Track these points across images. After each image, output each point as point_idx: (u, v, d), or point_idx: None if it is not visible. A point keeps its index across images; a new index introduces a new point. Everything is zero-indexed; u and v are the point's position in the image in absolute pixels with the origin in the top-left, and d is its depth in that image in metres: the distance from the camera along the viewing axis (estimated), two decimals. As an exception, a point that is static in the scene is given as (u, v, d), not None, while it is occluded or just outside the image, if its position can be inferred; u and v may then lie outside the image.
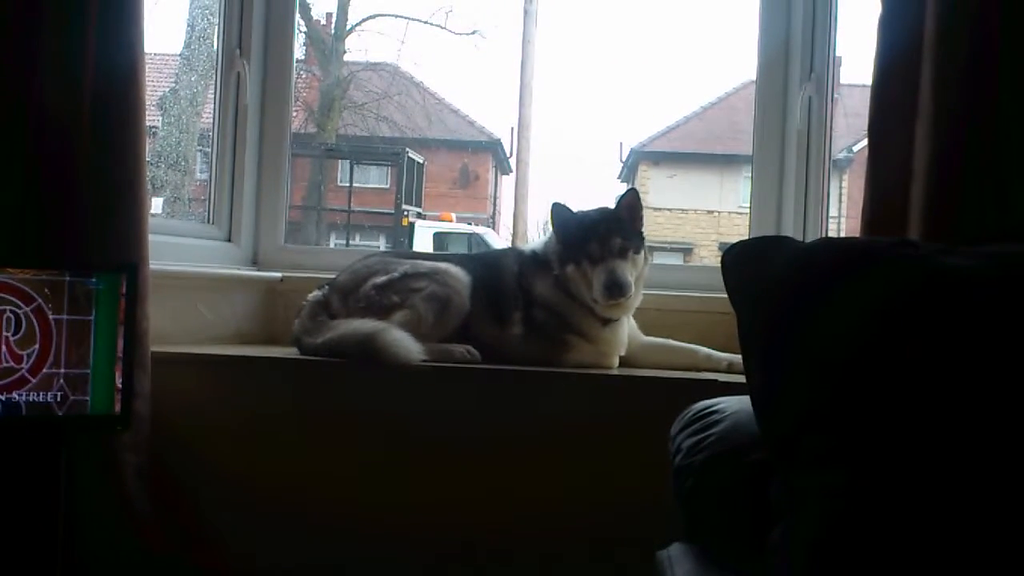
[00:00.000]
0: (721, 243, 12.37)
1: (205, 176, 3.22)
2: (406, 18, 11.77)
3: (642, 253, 2.56)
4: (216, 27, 3.11)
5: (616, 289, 2.46)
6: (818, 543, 1.24)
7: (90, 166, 2.29)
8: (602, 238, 2.50)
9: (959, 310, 1.29)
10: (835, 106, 2.98)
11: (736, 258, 1.59)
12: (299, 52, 11.00)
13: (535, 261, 2.65)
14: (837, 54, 2.98)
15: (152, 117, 4.42)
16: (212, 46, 3.17)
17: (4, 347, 2.09)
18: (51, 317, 2.14)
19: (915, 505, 1.21)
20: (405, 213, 10.63)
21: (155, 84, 4.91)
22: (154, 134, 4.58)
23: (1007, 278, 1.32)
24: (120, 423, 2.22)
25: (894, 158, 2.22)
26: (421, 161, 11.36)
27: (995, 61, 2.11)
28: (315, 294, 2.66)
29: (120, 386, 2.19)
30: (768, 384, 1.43)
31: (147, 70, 2.40)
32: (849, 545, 1.22)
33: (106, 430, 2.28)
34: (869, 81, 2.28)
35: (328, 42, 11.45)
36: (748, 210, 3.07)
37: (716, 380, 2.36)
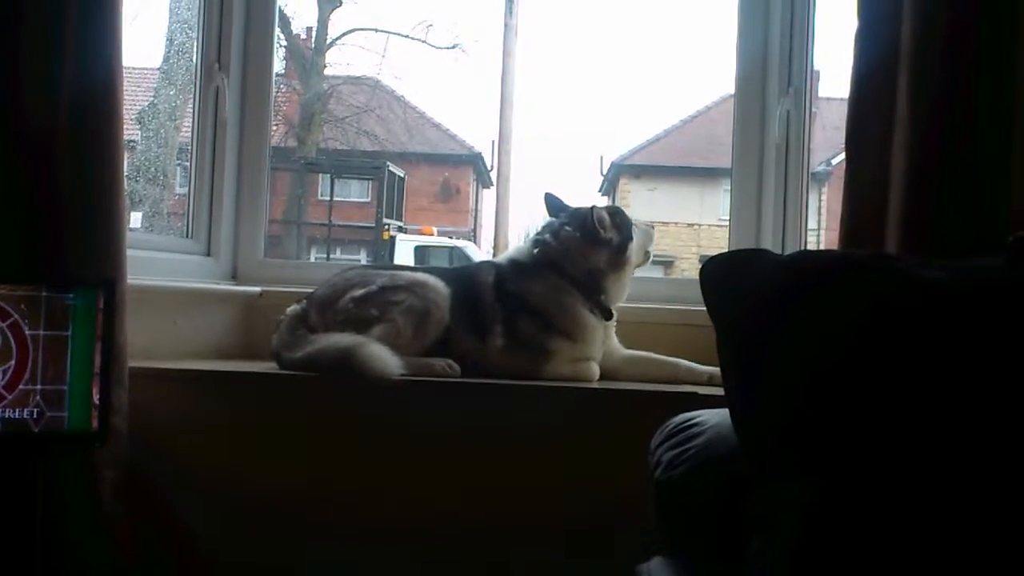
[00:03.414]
0: (702, 255, 12.40)
1: (184, 190, 3.21)
2: (387, 32, 11.80)
3: None
4: (195, 41, 3.10)
5: None
6: (796, 555, 1.25)
7: (68, 180, 2.28)
8: None
9: (934, 323, 1.30)
10: (813, 119, 2.99)
11: (714, 271, 1.59)
12: (279, 66, 11.02)
13: (520, 268, 2.66)
14: (815, 68, 3.00)
15: (131, 131, 4.41)
16: (191, 60, 3.16)
17: (-21, 364, 2.08)
18: (27, 333, 2.12)
19: (893, 516, 1.21)
20: (386, 227, 10.62)
21: (134, 98, 4.89)
22: (133, 148, 4.56)
23: (983, 291, 1.33)
24: (98, 439, 2.20)
25: (871, 170, 2.24)
26: (402, 175, 11.36)
27: (971, 73, 2.13)
28: (293, 308, 2.65)
29: (97, 402, 2.17)
30: (746, 396, 1.44)
31: (126, 84, 2.39)
32: (827, 557, 1.22)
33: (83, 446, 2.25)
34: (847, 94, 2.30)
35: (308, 56, 11.46)
36: (728, 223, 3.08)
37: (696, 393, 2.36)
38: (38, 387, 2.13)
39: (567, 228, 2.65)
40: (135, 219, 4.34)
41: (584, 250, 2.62)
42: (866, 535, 1.21)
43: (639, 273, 2.82)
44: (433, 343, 2.56)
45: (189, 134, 3.14)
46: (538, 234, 2.71)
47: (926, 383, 1.26)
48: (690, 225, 14.20)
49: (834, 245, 2.35)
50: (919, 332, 1.30)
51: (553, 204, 2.76)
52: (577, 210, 2.68)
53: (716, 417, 1.67)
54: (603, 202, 2.79)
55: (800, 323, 1.37)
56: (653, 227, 2.83)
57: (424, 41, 11.81)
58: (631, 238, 2.67)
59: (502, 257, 2.79)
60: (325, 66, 11.73)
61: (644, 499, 1.73)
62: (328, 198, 11.52)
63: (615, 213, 2.69)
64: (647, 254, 2.76)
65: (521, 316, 2.58)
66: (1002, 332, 1.28)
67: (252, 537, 2.46)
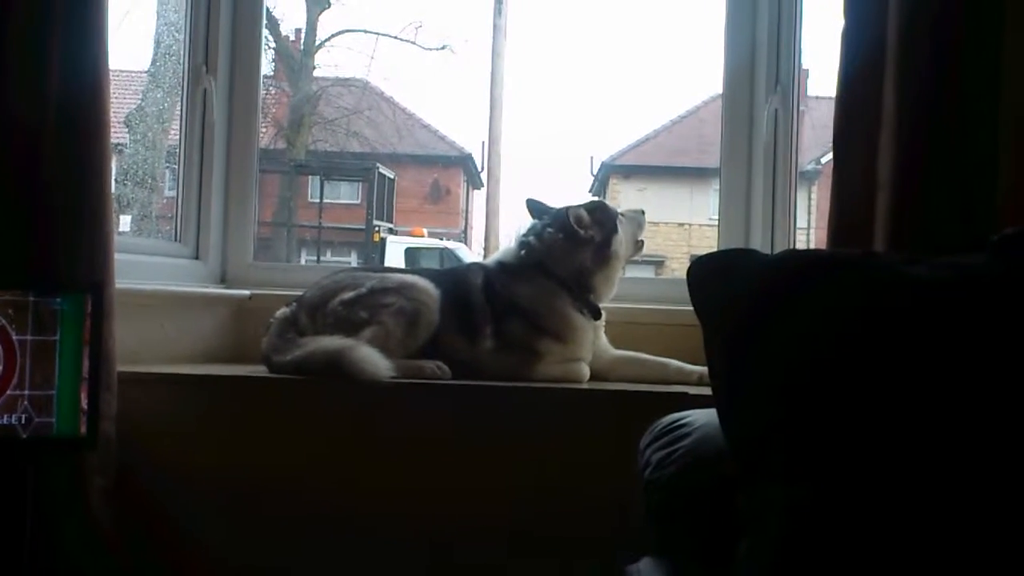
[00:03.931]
0: (692, 255, 12.39)
1: (173, 193, 3.20)
2: (376, 33, 11.77)
3: None
4: (182, 43, 3.09)
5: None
6: (782, 556, 1.25)
7: (55, 184, 2.27)
8: None
9: (920, 321, 1.30)
10: (802, 118, 3.00)
11: (702, 272, 1.59)
12: (268, 68, 11.00)
13: (508, 270, 2.66)
14: (803, 67, 3.00)
15: (119, 134, 4.41)
16: (179, 62, 3.15)
17: (-33, 369, 2.07)
18: (15, 338, 2.12)
19: (880, 517, 1.21)
20: (376, 228, 10.62)
21: (122, 101, 4.89)
22: (121, 151, 4.55)
23: (969, 289, 1.34)
24: (86, 445, 2.20)
25: (859, 168, 2.24)
26: (392, 176, 11.35)
27: (957, 71, 2.13)
28: (283, 311, 2.64)
29: (86, 407, 2.16)
30: (733, 397, 1.44)
31: (113, 87, 2.38)
32: (813, 559, 1.22)
33: (72, 452, 2.25)
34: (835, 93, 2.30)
35: (297, 58, 11.43)
36: (717, 222, 3.08)
37: (686, 393, 2.36)
38: (26, 392, 2.12)
39: (549, 229, 2.65)
40: (123, 222, 4.33)
41: (568, 250, 2.62)
42: (853, 536, 1.21)
43: (629, 273, 2.83)
44: (423, 345, 2.56)
45: (177, 137, 3.14)
46: (523, 236, 2.71)
47: (912, 381, 1.27)
48: (680, 225, 14.19)
49: (824, 244, 2.35)
50: (905, 330, 1.30)
51: (536, 208, 2.76)
52: (559, 211, 2.68)
53: (705, 417, 1.67)
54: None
55: (785, 323, 1.37)
56: (643, 212, 2.80)
57: (413, 42, 11.81)
58: (615, 231, 2.66)
59: (490, 259, 2.79)
60: (314, 68, 11.70)
61: (634, 499, 1.73)
62: (318, 200, 11.53)
63: (594, 209, 2.68)
64: (639, 243, 2.76)
65: (510, 318, 2.58)
66: (988, 329, 1.28)
67: (243, 540, 2.46)
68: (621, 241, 2.67)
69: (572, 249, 2.61)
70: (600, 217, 2.66)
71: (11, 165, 2.23)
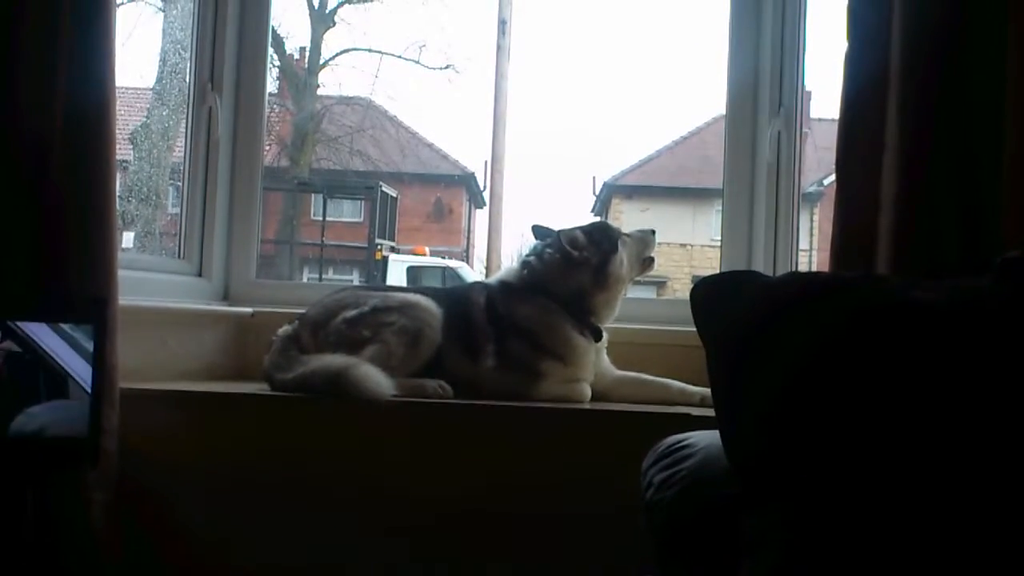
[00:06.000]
0: (694, 276, 12.39)
1: (176, 210, 3.21)
2: (380, 53, 11.81)
3: None
4: (188, 61, 3.11)
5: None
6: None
7: (61, 201, 2.27)
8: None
9: (920, 344, 1.30)
10: (805, 140, 3.00)
11: (704, 293, 1.60)
12: (272, 86, 11.05)
13: (510, 290, 2.67)
14: (807, 88, 3.02)
15: (124, 151, 4.43)
16: (184, 80, 3.17)
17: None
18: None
19: (882, 539, 1.21)
20: (378, 247, 10.62)
21: (127, 118, 4.91)
22: (125, 168, 4.57)
23: (970, 312, 1.33)
24: (88, 460, 2.20)
25: (861, 191, 2.24)
26: (394, 195, 11.37)
27: (960, 93, 2.14)
28: (285, 329, 2.65)
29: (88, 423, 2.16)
30: (735, 418, 1.44)
31: (119, 104, 2.39)
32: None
33: (74, 467, 2.25)
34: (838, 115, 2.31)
35: (302, 76, 11.47)
36: (720, 243, 3.09)
37: (689, 414, 2.36)
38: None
39: (548, 250, 2.66)
40: (127, 239, 4.35)
41: (565, 271, 2.62)
42: (855, 558, 1.20)
43: (631, 293, 2.82)
44: (425, 364, 2.56)
45: (182, 154, 3.15)
46: (526, 256, 2.72)
47: (914, 404, 1.26)
48: (682, 245, 14.20)
49: (826, 265, 2.36)
50: (906, 353, 1.30)
51: (541, 234, 2.76)
52: (560, 232, 2.68)
53: (707, 439, 1.67)
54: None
55: (787, 345, 1.37)
56: (653, 232, 2.79)
57: (417, 62, 11.84)
58: (614, 251, 2.66)
59: (493, 279, 2.80)
60: (318, 86, 11.76)
61: (636, 520, 1.73)
62: (320, 218, 11.53)
63: (592, 231, 2.68)
64: (646, 261, 2.75)
65: (512, 337, 2.58)
66: (989, 353, 1.28)
67: (245, 556, 2.45)
68: (621, 263, 2.66)
69: (569, 270, 2.61)
70: (597, 238, 2.66)
71: (20, 179, 2.23)
